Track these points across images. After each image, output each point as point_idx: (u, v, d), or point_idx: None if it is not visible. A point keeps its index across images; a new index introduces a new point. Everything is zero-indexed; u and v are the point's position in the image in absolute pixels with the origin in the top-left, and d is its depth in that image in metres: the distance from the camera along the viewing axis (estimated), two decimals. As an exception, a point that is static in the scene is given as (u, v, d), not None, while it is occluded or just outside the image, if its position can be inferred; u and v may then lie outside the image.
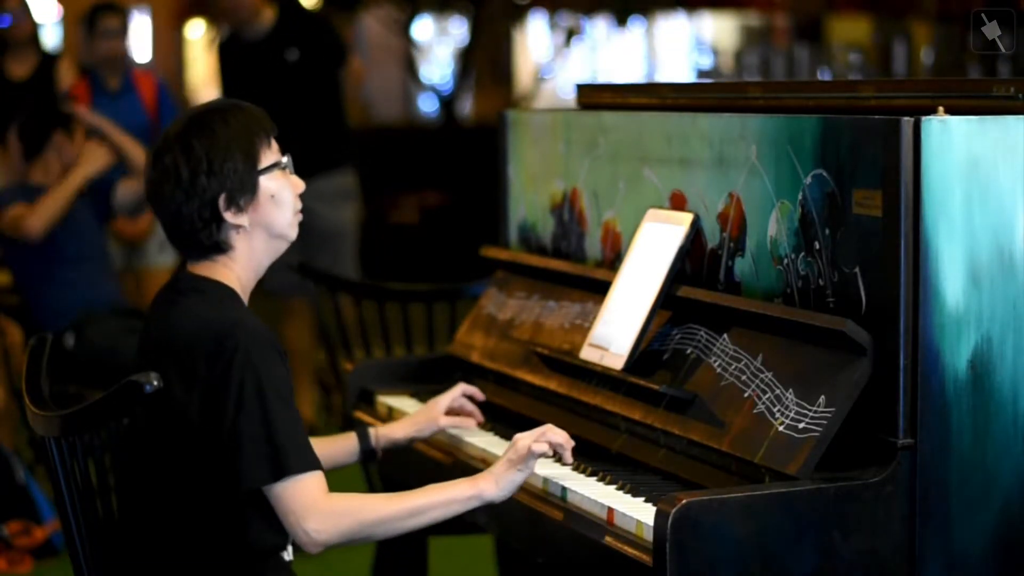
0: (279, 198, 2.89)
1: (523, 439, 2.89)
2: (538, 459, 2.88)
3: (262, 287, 3.04)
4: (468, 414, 3.43)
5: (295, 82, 7.02)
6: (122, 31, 7.12)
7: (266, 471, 2.73)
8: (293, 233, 2.93)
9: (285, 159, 2.92)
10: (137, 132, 7.05)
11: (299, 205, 2.93)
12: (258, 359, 2.75)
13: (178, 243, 2.90)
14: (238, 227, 2.86)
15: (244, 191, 2.85)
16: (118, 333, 5.76)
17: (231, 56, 7.22)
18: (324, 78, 7.14)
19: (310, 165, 7.08)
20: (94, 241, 6.06)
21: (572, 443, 2.93)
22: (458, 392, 3.42)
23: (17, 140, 6.08)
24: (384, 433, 3.30)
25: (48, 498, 5.39)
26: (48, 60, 7.40)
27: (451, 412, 3.39)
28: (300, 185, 2.95)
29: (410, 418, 3.37)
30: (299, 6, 7.75)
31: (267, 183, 2.88)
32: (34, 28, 7.53)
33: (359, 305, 4.79)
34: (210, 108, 2.90)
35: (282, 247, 2.93)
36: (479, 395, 3.46)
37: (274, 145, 2.91)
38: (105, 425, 2.74)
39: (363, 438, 3.28)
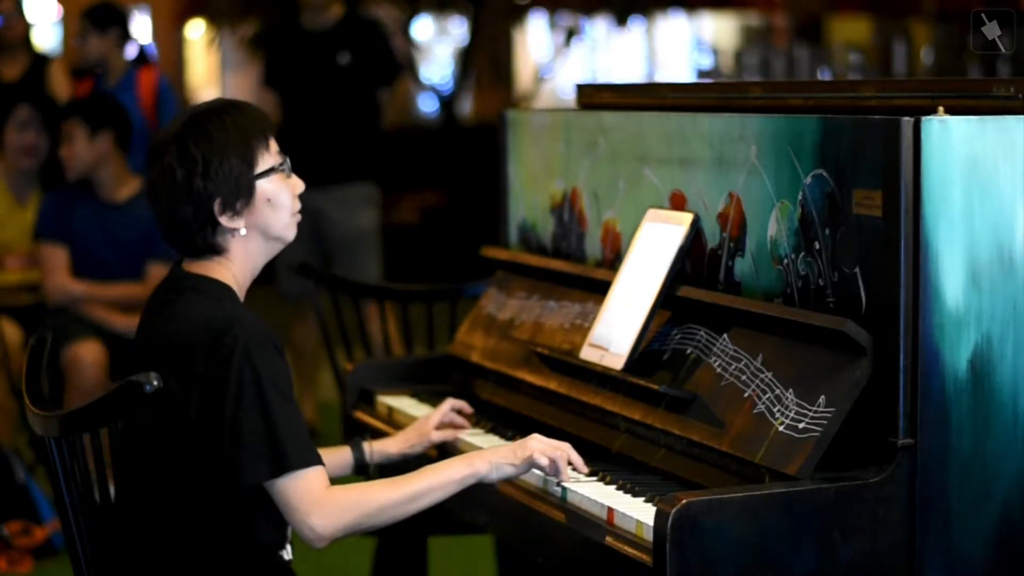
0: (276, 201, 2.88)
1: (534, 442, 2.92)
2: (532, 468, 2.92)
3: (276, 291, 3.04)
4: (458, 427, 3.44)
5: (340, 85, 7.00)
6: (90, 33, 7.07)
7: (266, 467, 2.73)
8: (291, 234, 2.92)
9: (284, 162, 2.91)
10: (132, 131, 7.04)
11: (298, 206, 2.92)
12: (257, 355, 2.75)
13: (174, 242, 2.89)
14: (234, 230, 2.86)
15: (240, 195, 2.84)
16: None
17: (282, 41, 7.20)
18: (369, 88, 7.11)
19: (336, 170, 7.09)
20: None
21: (569, 475, 2.96)
22: (447, 407, 3.44)
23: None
24: (378, 448, 3.32)
25: (48, 498, 5.38)
26: (39, 61, 7.39)
27: (441, 426, 3.40)
28: (299, 186, 2.93)
29: (403, 434, 3.38)
30: (365, 13, 7.71)
31: (264, 186, 2.86)
32: (26, 29, 7.52)
33: (358, 305, 4.80)
34: (208, 109, 2.89)
35: (278, 248, 2.93)
36: (467, 408, 3.48)
37: (273, 146, 2.90)
38: (105, 425, 2.74)
39: (357, 450, 3.29)
